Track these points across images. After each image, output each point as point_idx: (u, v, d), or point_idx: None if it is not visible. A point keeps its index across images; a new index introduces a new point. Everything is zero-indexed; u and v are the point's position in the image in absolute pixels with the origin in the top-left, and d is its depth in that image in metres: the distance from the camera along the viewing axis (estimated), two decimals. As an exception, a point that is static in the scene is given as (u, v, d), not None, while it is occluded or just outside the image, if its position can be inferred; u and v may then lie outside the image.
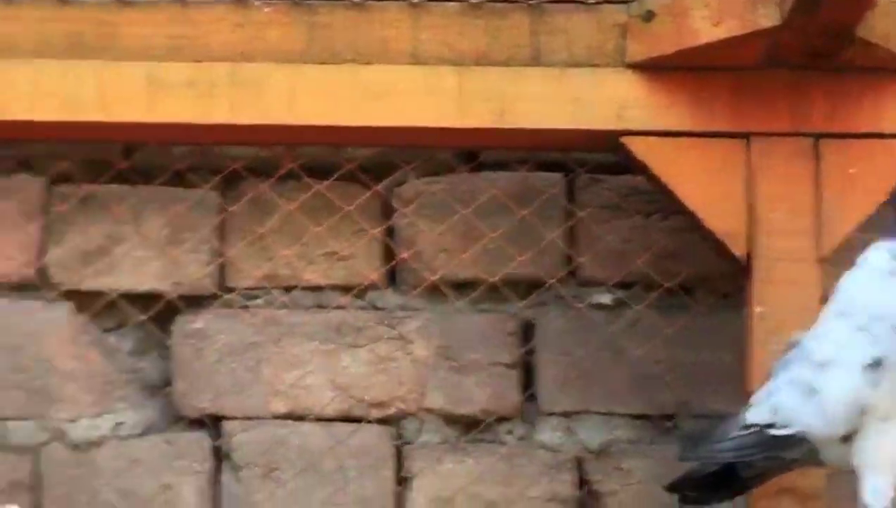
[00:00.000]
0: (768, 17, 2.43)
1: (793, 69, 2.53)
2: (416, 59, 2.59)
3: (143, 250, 2.78)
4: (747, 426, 2.30)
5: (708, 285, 2.79)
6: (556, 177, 2.80)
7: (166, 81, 2.57)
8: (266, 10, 2.61)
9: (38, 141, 2.72)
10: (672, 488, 2.49)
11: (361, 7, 2.60)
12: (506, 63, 2.58)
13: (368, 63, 2.58)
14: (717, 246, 2.58)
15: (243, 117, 2.58)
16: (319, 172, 2.77)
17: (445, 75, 2.58)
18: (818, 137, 2.54)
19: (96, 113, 2.57)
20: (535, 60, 2.58)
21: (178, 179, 2.78)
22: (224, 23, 2.60)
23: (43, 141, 2.72)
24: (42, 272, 2.78)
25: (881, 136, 2.54)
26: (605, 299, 2.80)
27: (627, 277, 2.78)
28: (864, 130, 2.54)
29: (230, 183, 2.79)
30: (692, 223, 2.59)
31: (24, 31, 2.59)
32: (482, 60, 2.58)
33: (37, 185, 2.79)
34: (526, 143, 2.64)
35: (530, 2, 2.59)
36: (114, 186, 2.78)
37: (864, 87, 2.53)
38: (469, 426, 2.78)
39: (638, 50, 2.56)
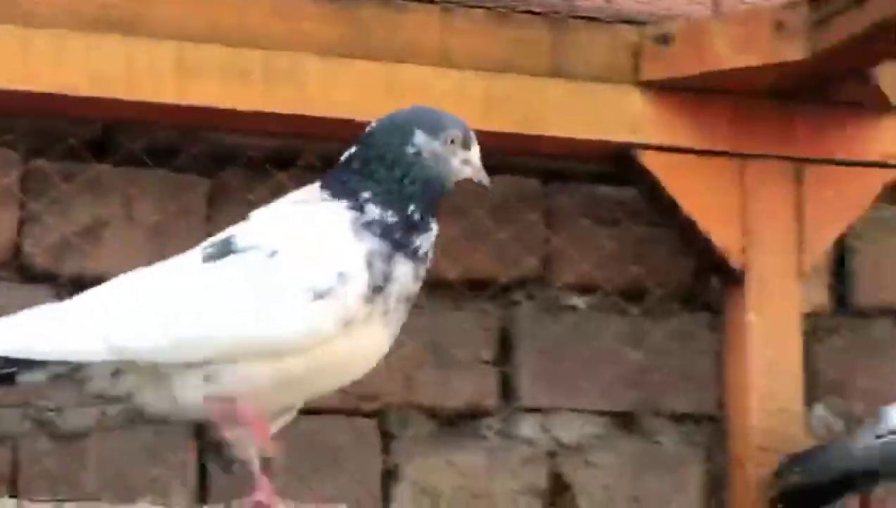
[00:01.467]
0: (795, 51, 2.62)
1: (785, 99, 2.75)
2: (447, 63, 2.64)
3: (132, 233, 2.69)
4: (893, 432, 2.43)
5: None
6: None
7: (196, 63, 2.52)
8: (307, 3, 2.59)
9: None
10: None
11: (398, 7, 2.62)
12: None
13: (401, 62, 2.61)
14: (706, 257, 2.76)
15: (276, 106, 2.56)
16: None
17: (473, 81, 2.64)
18: (802, 161, 2.77)
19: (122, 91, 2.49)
20: (556, 72, 2.68)
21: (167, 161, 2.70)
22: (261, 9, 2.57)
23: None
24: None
25: (860, 164, 2.79)
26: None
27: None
28: (843, 157, 2.78)
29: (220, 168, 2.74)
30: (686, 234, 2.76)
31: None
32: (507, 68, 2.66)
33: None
34: (545, 150, 2.75)
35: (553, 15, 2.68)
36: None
37: (846, 118, 2.78)
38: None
39: (652, 69, 2.70)
